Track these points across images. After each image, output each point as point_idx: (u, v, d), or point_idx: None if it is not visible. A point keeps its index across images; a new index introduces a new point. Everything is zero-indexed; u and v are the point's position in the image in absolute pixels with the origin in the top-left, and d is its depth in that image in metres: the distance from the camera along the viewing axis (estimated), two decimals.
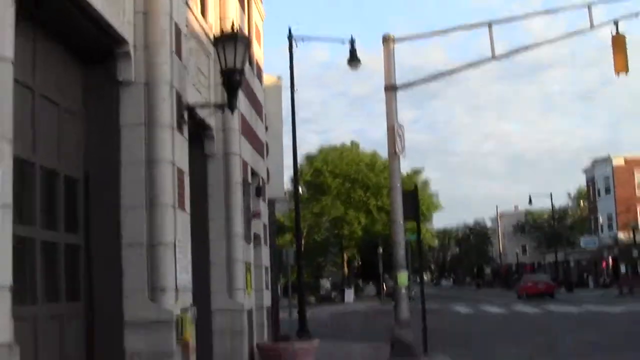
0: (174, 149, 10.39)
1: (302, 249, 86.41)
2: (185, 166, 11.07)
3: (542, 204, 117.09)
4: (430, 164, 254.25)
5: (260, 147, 18.12)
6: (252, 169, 16.45)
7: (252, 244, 15.92)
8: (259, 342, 15.58)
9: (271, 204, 22.22)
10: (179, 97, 10.83)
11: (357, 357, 20.56)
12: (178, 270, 10.25)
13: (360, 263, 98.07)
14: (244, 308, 14.56)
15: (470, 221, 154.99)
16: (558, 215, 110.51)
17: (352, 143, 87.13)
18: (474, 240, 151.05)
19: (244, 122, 15.68)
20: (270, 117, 22.24)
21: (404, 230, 20.13)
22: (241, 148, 15.17)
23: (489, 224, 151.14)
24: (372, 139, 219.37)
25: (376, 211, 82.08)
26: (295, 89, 28.01)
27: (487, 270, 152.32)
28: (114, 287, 9.93)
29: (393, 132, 19.67)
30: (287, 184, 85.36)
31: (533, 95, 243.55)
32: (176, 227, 10.32)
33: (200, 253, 14.47)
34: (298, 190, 29.54)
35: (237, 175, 14.86)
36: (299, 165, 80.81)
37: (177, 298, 10.17)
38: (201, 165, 14.74)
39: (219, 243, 14.62)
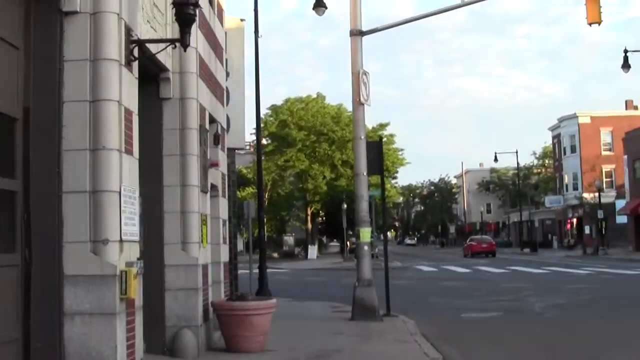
0: (121, 87, 9.39)
1: (266, 202, 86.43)
2: (134, 106, 10.07)
3: (507, 162, 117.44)
4: (396, 119, 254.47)
5: (220, 93, 17.09)
6: (210, 115, 15.44)
7: (208, 195, 14.96)
8: (215, 300, 14.71)
9: (231, 153, 21.24)
10: (128, 30, 9.81)
11: (317, 318, 19.76)
12: (123, 220, 9.32)
13: (324, 219, 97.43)
14: (199, 263, 13.67)
15: (435, 178, 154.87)
16: (523, 174, 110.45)
17: (318, 95, 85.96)
18: (439, 197, 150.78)
19: (202, 64, 14.64)
20: (232, 62, 21.14)
21: (367, 183, 19.23)
22: (199, 92, 14.14)
23: (453, 181, 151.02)
24: (340, 92, 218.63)
25: (341, 166, 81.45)
26: (259, 34, 26.95)
27: (452, 229, 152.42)
28: (54, 238, 9.00)
29: (358, 79, 18.70)
30: (251, 135, 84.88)
31: (500, 51, 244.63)
32: (122, 173, 9.36)
33: (153, 203, 13.61)
34: (260, 140, 28.40)
35: (193, 121, 13.86)
36: (263, 116, 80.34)
37: (122, 251, 9.26)
38: (156, 109, 13.75)
39: (173, 193, 13.65)
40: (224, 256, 16.94)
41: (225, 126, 17.73)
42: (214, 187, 16.01)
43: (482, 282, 35.25)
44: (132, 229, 9.69)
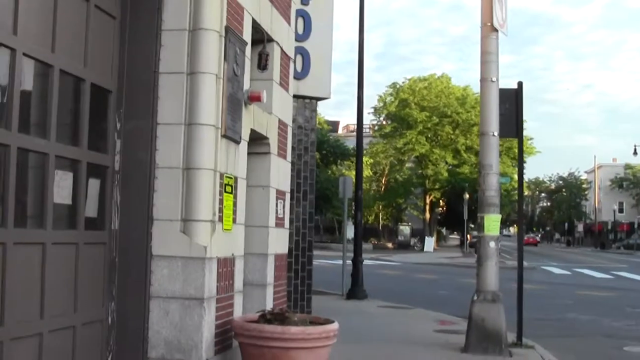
0: None
1: (382, 188, 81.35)
2: None
3: None
4: (525, 112, 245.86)
5: (282, 2, 11.42)
6: (255, 23, 9.80)
7: (243, 147, 9.32)
8: (240, 317, 9.02)
9: (311, 105, 15.61)
10: None
11: (413, 341, 13.57)
12: None
13: (444, 209, 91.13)
14: (209, 255, 8.06)
15: (564, 173, 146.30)
16: None
17: (443, 75, 79.63)
18: (567, 193, 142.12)
19: None
20: None
21: (498, 148, 13.09)
22: None
23: (584, 176, 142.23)
24: (468, 82, 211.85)
25: (465, 151, 75.18)
26: None
27: (579, 227, 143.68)
28: None
29: None
30: (369, 114, 79.41)
31: (636, 46, 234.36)
32: None
33: (137, 152, 8.16)
34: (362, 108, 22.63)
35: (212, 18, 8.27)
36: (382, 94, 75.05)
37: None
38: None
39: (173, 135, 8.15)
40: (277, 246, 11.23)
41: (290, 54, 12.03)
42: (260, 138, 10.40)
43: (632, 294, 28.42)
44: None
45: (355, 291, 21.34)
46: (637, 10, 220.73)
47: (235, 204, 9.03)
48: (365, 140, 77.99)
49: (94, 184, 7.80)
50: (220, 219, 8.51)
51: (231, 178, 8.85)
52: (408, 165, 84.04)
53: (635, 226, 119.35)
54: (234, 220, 9.01)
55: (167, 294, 8.00)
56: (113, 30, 8.13)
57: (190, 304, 7.96)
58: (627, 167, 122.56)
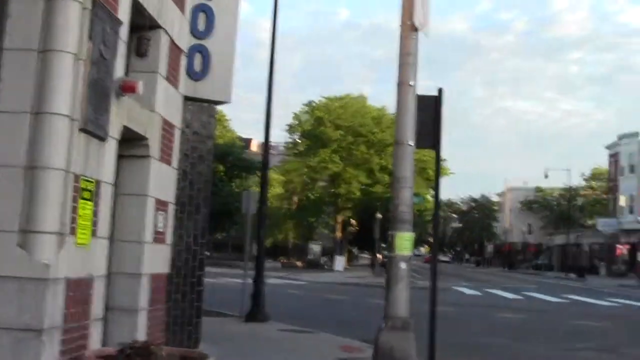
0: None
1: (295, 207, 79.72)
2: None
3: (553, 183, 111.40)
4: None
5: None
6: (136, 3, 8.29)
7: (111, 145, 7.76)
8: (94, 351, 7.44)
9: (211, 109, 14.02)
10: None
11: None
12: None
13: (357, 229, 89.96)
14: (54, 275, 6.50)
15: (476, 195, 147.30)
16: (569, 195, 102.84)
17: (359, 95, 78.83)
18: (479, 214, 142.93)
19: None
20: None
21: (413, 160, 11.72)
22: None
23: (495, 198, 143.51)
24: (386, 104, 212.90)
25: (378, 171, 74.22)
26: None
27: (489, 248, 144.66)
28: None
29: None
30: (285, 132, 78.21)
31: (551, 74, 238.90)
32: None
33: None
34: (270, 122, 21.13)
35: None
36: (298, 112, 73.79)
37: None
38: None
39: (15, 127, 6.57)
40: (155, 265, 9.67)
41: (182, 46, 10.51)
42: (137, 138, 8.85)
43: (543, 316, 27.49)
44: None
45: (255, 313, 19.78)
46: (551, 41, 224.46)
47: (96, 214, 7.47)
48: (279, 158, 76.77)
49: None
50: (74, 231, 6.94)
51: (91, 182, 7.29)
52: (321, 184, 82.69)
53: (544, 247, 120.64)
54: (94, 233, 7.45)
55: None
56: None
57: (26, 336, 6.39)
58: (538, 190, 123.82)
